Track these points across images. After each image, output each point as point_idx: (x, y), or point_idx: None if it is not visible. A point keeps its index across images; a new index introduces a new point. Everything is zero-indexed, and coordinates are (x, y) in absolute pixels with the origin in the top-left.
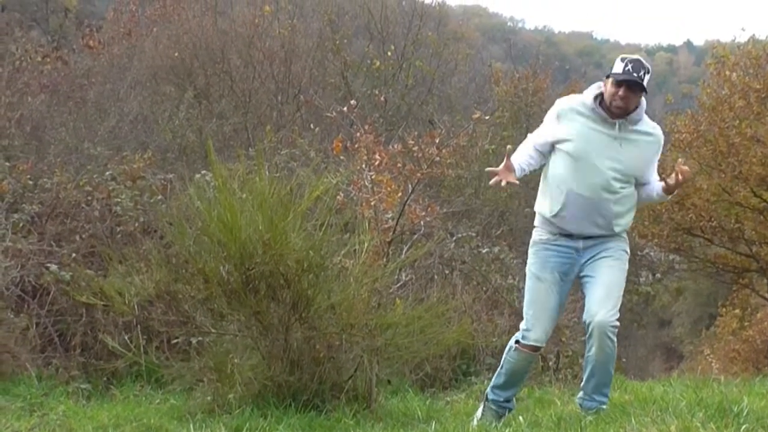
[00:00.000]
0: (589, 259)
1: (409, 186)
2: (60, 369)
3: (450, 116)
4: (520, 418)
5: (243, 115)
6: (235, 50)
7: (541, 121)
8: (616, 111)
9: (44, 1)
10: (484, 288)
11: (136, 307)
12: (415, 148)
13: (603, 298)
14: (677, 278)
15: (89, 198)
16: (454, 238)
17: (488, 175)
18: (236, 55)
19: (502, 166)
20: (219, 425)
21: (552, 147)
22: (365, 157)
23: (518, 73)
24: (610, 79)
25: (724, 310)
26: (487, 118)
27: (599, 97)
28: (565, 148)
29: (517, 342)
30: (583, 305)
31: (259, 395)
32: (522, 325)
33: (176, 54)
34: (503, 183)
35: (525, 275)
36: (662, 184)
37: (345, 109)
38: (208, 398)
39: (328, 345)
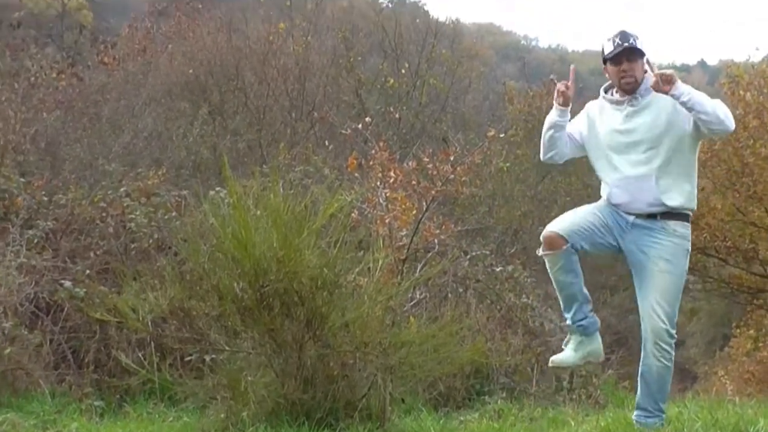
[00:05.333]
0: (636, 247)
1: (424, 204)
2: (73, 386)
3: (464, 134)
4: None
5: (257, 131)
6: (249, 67)
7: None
8: (627, 87)
9: (59, 18)
10: (498, 307)
11: (149, 323)
12: (430, 166)
13: (657, 305)
14: (691, 299)
15: (104, 214)
16: (468, 257)
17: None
18: (250, 72)
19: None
20: None
21: (582, 139)
22: (380, 175)
23: (532, 92)
24: (609, 62)
25: (738, 331)
26: (501, 136)
27: (609, 89)
28: (591, 142)
29: (541, 249)
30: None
31: (272, 413)
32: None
33: (191, 71)
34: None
35: (539, 295)
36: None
37: (359, 126)
38: (222, 416)
39: (342, 363)
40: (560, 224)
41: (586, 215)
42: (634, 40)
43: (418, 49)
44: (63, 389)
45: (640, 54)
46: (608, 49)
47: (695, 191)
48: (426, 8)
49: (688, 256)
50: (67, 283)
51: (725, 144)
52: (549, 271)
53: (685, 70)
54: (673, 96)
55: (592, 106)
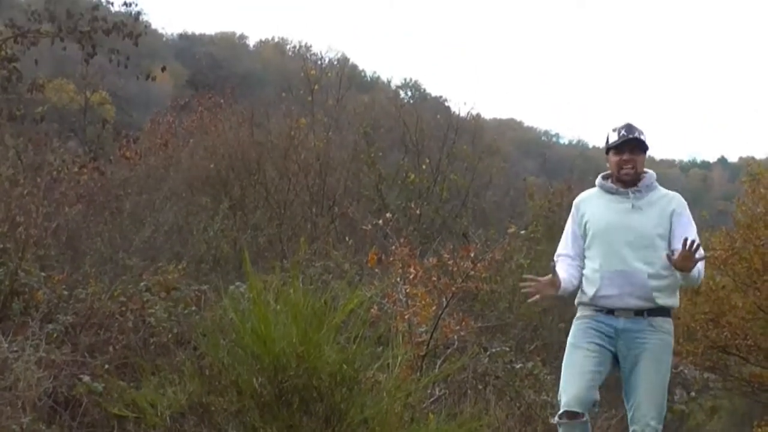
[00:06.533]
0: (628, 352)
1: (444, 300)
2: None
3: (484, 230)
4: None
5: (277, 226)
6: (270, 162)
7: None
8: (626, 178)
9: (82, 112)
10: (518, 404)
11: (168, 419)
12: (450, 262)
13: (647, 405)
14: (712, 396)
15: (123, 309)
16: (488, 353)
17: (523, 287)
18: (272, 167)
19: (546, 278)
20: None
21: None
22: (400, 270)
23: (553, 188)
24: (611, 151)
25: (760, 430)
26: (522, 232)
27: (608, 177)
28: (588, 230)
29: (558, 416)
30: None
31: None
32: (557, 395)
33: (212, 165)
34: (538, 297)
35: (558, 392)
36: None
37: (380, 221)
38: None
39: None
40: (572, 396)
41: (584, 366)
42: (639, 134)
43: (438, 145)
44: None
45: (643, 148)
46: (612, 138)
47: (678, 290)
48: (447, 104)
49: (671, 352)
50: (86, 378)
51: (746, 242)
52: None
53: (705, 167)
54: (686, 270)
55: (581, 201)
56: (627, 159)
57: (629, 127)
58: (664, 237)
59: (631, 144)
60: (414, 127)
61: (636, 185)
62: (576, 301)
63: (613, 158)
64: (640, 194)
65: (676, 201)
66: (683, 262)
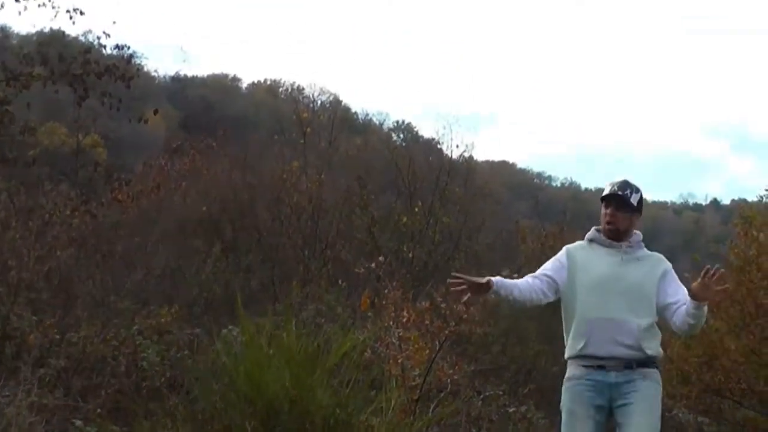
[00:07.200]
0: (621, 400)
1: (437, 343)
2: None
3: (477, 272)
4: None
5: (270, 269)
6: (263, 204)
7: None
8: (607, 232)
9: (74, 155)
10: None
11: None
12: (443, 305)
13: None
14: None
15: (115, 353)
16: (482, 397)
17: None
18: (264, 209)
19: (477, 279)
20: None
21: (561, 282)
22: (393, 314)
23: (545, 230)
24: (602, 202)
25: None
26: (515, 276)
27: (600, 231)
28: (578, 280)
29: None
30: None
31: None
32: None
33: (204, 208)
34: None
35: None
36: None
37: (373, 264)
38: None
39: None
40: None
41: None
42: (630, 193)
43: (431, 188)
44: None
45: (629, 207)
46: (605, 191)
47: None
48: (439, 146)
49: (661, 401)
50: (79, 422)
51: (739, 285)
52: None
53: (698, 210)
54: (698, 304)
55: (575, 250)
56: (610, 213)
57: (622, 185)
58: (653, 293)
59: (617, 201)
60: (406, 169)
61: (628, 240)
62: (566, 356)
63: (602, 210)
64: (632, 250)
65: (665, 262)
66: (703, 290)
